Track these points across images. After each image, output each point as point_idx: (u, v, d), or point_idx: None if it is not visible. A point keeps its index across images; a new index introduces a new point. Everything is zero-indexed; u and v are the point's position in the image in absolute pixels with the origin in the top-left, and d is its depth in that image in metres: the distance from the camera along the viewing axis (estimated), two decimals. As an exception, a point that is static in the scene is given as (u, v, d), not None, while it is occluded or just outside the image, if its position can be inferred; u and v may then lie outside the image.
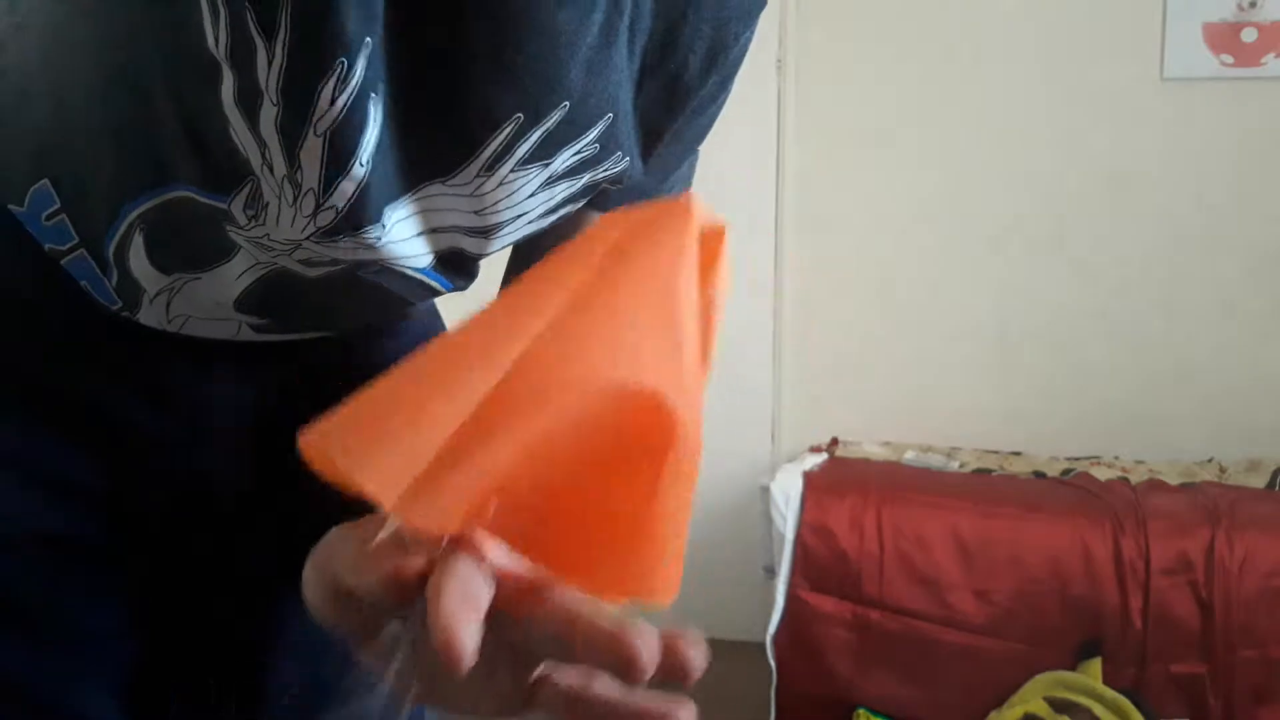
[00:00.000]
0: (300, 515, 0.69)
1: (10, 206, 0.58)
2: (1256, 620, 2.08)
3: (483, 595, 0.37)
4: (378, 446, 0.36)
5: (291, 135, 0.47)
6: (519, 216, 0.56)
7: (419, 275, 0.58)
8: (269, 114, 0.46)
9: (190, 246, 0.56)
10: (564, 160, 0.54)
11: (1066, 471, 2.56)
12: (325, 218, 0.50)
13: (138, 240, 0.56)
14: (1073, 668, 2.12)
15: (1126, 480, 2.46)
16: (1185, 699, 2.10)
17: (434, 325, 0.82)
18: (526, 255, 0.69)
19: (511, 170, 0.53)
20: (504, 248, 0.59)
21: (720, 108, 0.63)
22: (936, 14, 2.84)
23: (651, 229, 0.41)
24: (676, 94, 0.58)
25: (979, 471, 2.61)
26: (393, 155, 0.51)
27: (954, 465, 2.67)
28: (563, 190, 0.56)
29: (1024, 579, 2.19)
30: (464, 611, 0.35)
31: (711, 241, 0.43)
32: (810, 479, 2.39)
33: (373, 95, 0.47)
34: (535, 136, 0.52)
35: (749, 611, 2.79)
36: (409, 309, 0.68)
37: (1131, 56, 2.74)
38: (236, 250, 0.56)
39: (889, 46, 2.87)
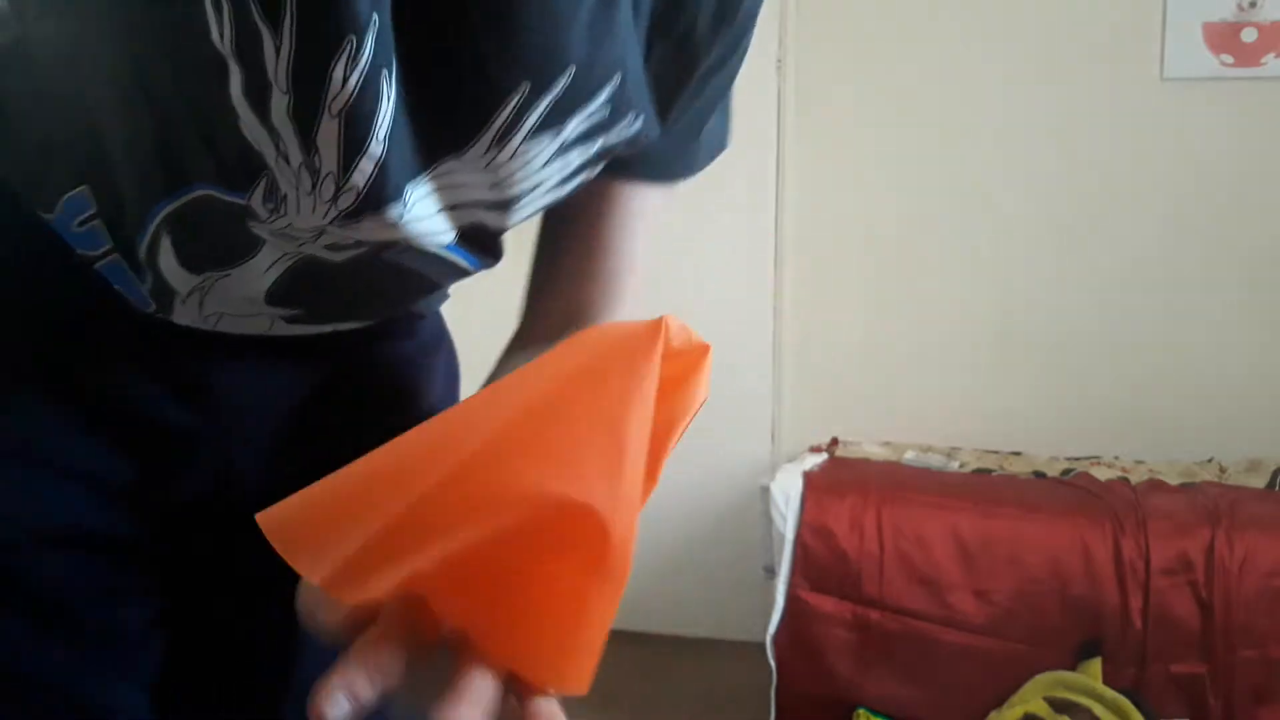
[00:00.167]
0: None
1: (41, 213, 0.59)
2: (1256, 620, 2.08)
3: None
4: (320, 532, 0.41)
5: (306, 120, 0.47)
6: (536, 187, 0.56)
7: (444, 253, 0.59)
8: (279, 103, 0.46)
9: (217, 245, 0.56)
10: (575, 126, 0.54)
11: (1066, 471, 2.56)
12: (346, 200, 0.50)
13: (166, 242, 0.56)
14: (1073, 668, 2.12)
15: (1126, 480, 2.46)
16: (1185, 699, 2.10)
17: (443, 327, 0.82)
18: (555, 232, 0.69)
19: (523, 140, 0.53)
20: (527, 219, 0.59)
21: (738, 64, 0.63)
22: (936, 14, 2.84)
23: (621, 348, 0.43)
24: (687, 52, 0.58)
25: (979, 471, 2.61)
26: (409, 132, 0.51)
27: (954, 465, 2.67)
28: (577, 157, 0.56)
29: (1024, 579, 2.19)
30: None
31: (689, 359, 0.45)
32: (810, 479, 2.39)
33: (385, 71, 0.47)
34: (543, 105, 0.52)
35: (749, 611, 2.79)
36: (436, 290, 0.68)
37: (1131, 56, 2.74)
38: (261, 244, 0.56)
39: (889, 46, 2.87)
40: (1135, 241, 2.79)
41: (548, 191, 0.57)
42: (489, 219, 0.58)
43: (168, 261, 0.57)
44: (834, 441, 2.88)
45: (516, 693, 0.42)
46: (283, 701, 0.74)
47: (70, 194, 0.57)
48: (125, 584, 0.66)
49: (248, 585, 0.72)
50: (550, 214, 0.66)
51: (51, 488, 0.62)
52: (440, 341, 0.81)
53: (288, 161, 0.49)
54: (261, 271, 0.58)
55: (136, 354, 0.63)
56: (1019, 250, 2.86)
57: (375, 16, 0.45)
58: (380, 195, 0.50)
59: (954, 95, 2.85)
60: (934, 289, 2.91)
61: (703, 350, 0.45)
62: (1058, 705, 2.00)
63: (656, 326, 0.44)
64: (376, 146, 0.48)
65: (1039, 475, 2.56)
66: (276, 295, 0.60)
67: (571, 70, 0.51)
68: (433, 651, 0.41)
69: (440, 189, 0.54)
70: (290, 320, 0.64)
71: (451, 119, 0.52)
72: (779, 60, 2.88)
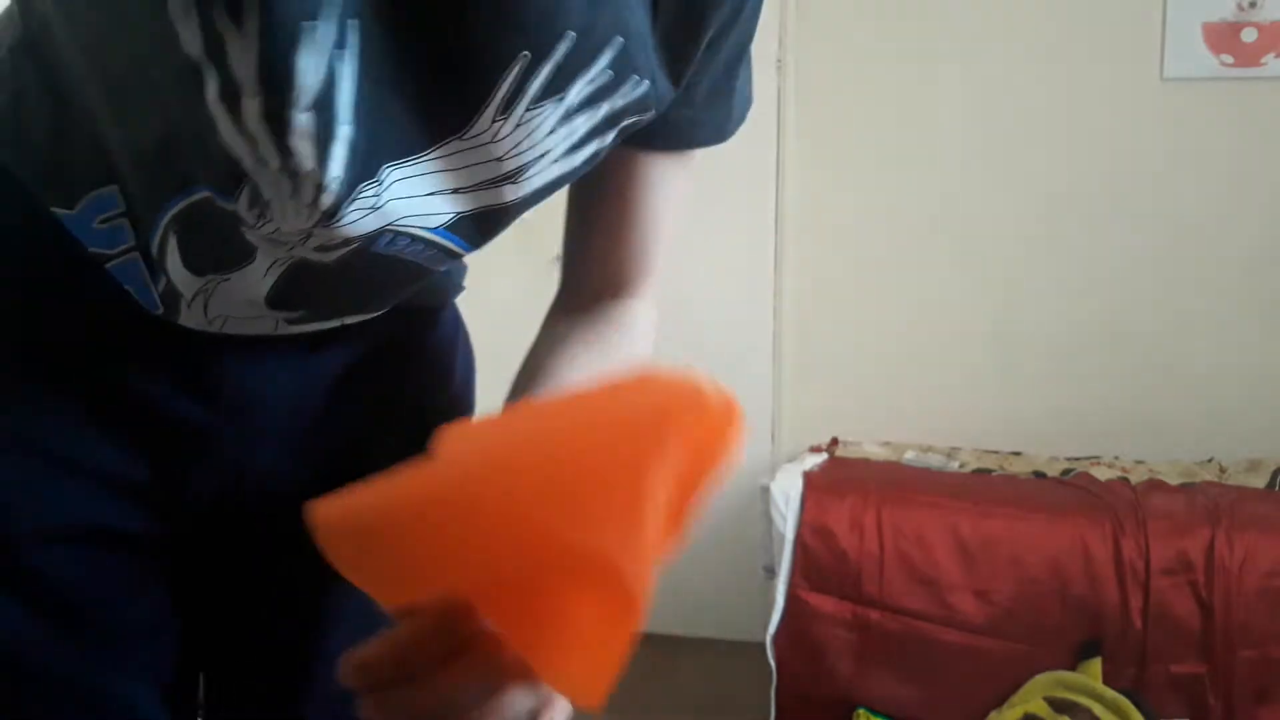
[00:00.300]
0: None
1: (55, 210, 0.59)
2: (1256, 620, 2.08)
3: None
4: (365, 539, 0.44)
5: (278, 123, 0.47)
6: (542, 156, 0.56)
7: (433, 236, 0.59)
8: (251, 107, 0.46)
9: (217, 248, 0.57)
10: (578, 91, 0.54)
11: (1066, 471, 2.56)
12: (327, 199, 0.50)
13: (173, 243, 0.57)
14: (1073, 668, 2.12)
15: (1126, 480, 2.46)
16: (1185, 699, 2.10)
17: (460, 319, 0.82)
18: (586, 204, 0.69)
19: (526, 109, 0.53)
20: (539, 192, 0.59)
21: (750, 22, 0.62)
22: (936, 14, 2.84)
23: (652, 405, 0.45)
24: (695, 10, 0.58)
25: (979, 471, 2.61)
26: (401, 112, 0.50)
27: (954, 465, 2.67)
28: (583, 123, 0.56)
29: (1024, 579, 2.19)
30: None
31: (717, 419, 0.46)
32: (810, 479, 2.39)
33: (337, 52, 0.46)
34: (545, 72, 0.52)
35: (749, 611, 2.79)
36: (430, 276, 0.68)
37: (1131, 56, 2.74)
38: (256, 250, 0.56)
39: (889, 46, 2.87)
40: (1135, 241, 2.79)
41: (555, 160, 0.57)
42: (500, 194, 0.57)
43: (174, 263, 0.57)
44: (834, 441, 2.88)
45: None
46: (300, 697, 0.74)
47: (97, 191, 0.57)
48: (138, 579, 0.67)
49: (260, 580, 0.72)
50: (581, 187, 0.67)
51: (65, 484, 0.63)
52: (457, 334, 0.81)
53: (266, 166, 0.48)
54: (259, 276, 0.58)
55: (148, 351, 0.63)
56: (1019, 250, 2.86)
57: None
58: (355, 177, 0.50)
59: (954, 95, 2.85)
60: (934, 289, 2.91)
61: (730, 410, 0.46)
62: (1058, 705, 2.00)
63: (689, 388, 0.46)
64: (345, 129, 0.48)
65: (1039, 475, 2.56)
66: (276, 299, 0.60)
67: (573, 35, 0.51)
68: (468, 644, 0.44)
69: (442, 171, 0.54)
70: (293, 322, 0.64)
71: (452, 96, 0.51)
72: (779, 60, 2.88)
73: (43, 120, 0.59)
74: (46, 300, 0.62)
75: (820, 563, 2.27)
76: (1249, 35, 2.67)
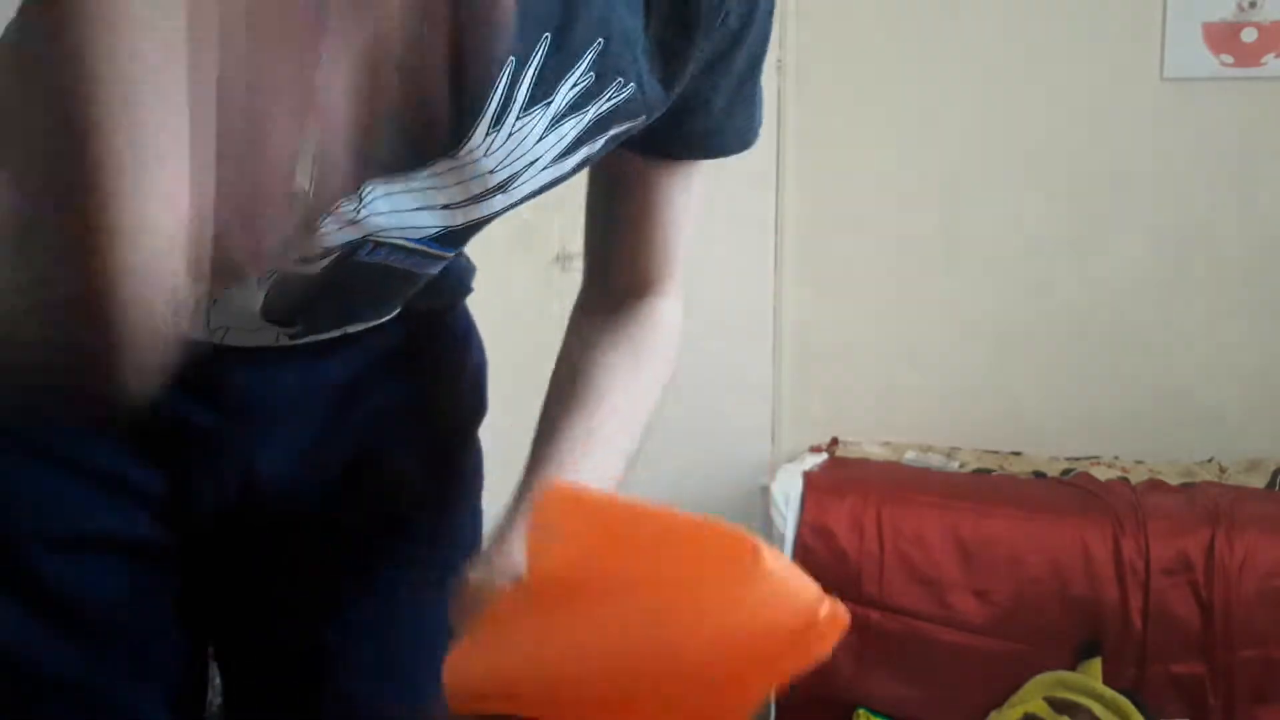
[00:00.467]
0: (351, 517, 0.70)
1: None
2: (1256, 620, 2.08)
3: None
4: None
5: None
6: (532, 163, 0.57)
7: (417, 245, 0.59)
8: None
9: None
10: (564, 96, 0.55)
11: (1066, 471, 2.56)
12: (301, 210, 0.50)
13: None
14: (1073, 668, 2.12)
15: (1126, 480, 2.46)
16: (1185, 699, 2.10)
17: (471, 322, 0.82)
18: (607, 208, 0.71)
19: (517, 118, 0.54)
20: (527, 197, 0.60)
21: (760, 28, 0.63)
22: (936, 14, 2.84)
23: (781, 626, 0.49)
24: (689, 12, 0.58)
25: (979, 471, 2.61)
26: (387, 134, 0.50)
27: (954, 465, 2.67)
28: (571, 128, 0.57)
29: (1024, 579, 2.19)
30: None
31: (826, 634, 0.49)
32: (810, 479, 2.39)
33: None
34: (529, 76, 0.53)
35: (749, 611, 2.78)
36: (417, 281, 0.69)
37: (1131, 56, 2.74)
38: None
39: (889, 46, 2.87)
40: (1135, 241, 2.79)
41: (545, 168, 0.58)
42: (490, 205, 0.58)
43: None
44: (834, 441, 2.88)
45: None
46: (312, 699, 0.74)
47: None
48: (146, 586, 0.67)
49: (268, 584, 0.72)
50: (606, 192, 0.69)
51: (73, 491, 0.62)
52: (468, 335, 0.81)
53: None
54: (253, 289, 0.58)
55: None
56: (1019, 250, 2.86)
57: None
58: (329, 194, 0.50)
59: (953, 95, 2.85)
60: (934, 288, 2.91)
61: (835, 623, 0.47)
62: (1058, 705, 2.00)
63: (811, 599, 0.48)
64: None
65: (1039, 475, 2.56)
66: (271, 313, 0.60)
67: (548, 36, 0.52)
68: None
69: (432, 189, 0.55)
70: (291, 336, 0.64)
71: (442, 117, 0.52)
72: (779, 60, 2.88)
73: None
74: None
75: (820, 563, 2.27)
76: (1249, 35, 2.67)
